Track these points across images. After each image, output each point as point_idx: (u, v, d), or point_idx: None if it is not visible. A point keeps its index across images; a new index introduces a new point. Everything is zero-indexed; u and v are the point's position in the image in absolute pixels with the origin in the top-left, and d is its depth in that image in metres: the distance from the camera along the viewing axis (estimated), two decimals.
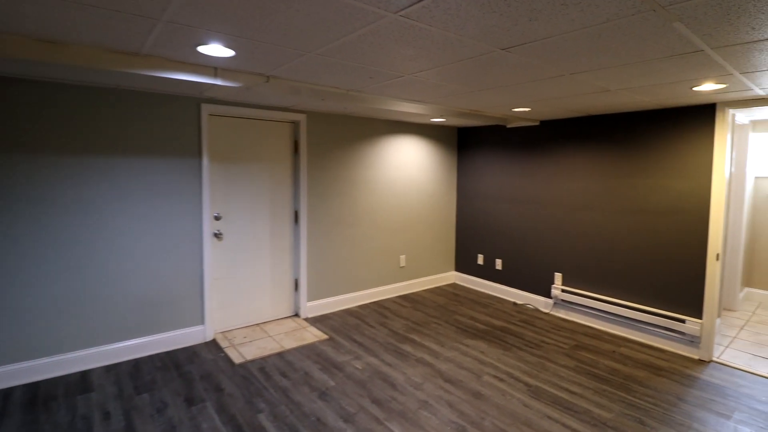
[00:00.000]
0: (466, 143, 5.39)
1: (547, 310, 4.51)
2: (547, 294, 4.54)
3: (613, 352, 3.55)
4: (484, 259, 5.19)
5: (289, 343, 3.56)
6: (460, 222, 5.51)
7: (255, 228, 3.87)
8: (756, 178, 4.95)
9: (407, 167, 4.97)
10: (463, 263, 5.48)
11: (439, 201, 5.35)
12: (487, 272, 5.18)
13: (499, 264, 5.02)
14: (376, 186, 4.68)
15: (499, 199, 4.98)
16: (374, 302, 4.69)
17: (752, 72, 2.26)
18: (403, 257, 4.98)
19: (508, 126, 4.87)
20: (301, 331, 3.83)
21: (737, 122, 4.47)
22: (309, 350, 3.45)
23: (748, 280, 5.05)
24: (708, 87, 2.66)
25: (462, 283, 5.49)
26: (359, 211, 4.54)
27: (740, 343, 3.81)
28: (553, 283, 4.48)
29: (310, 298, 4.23)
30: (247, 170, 3.79)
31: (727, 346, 3.73)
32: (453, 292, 5.15)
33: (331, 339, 3.67)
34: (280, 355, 3.36)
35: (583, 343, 3.70)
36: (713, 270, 3.41)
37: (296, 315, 4.21)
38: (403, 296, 4.93)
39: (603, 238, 4.06)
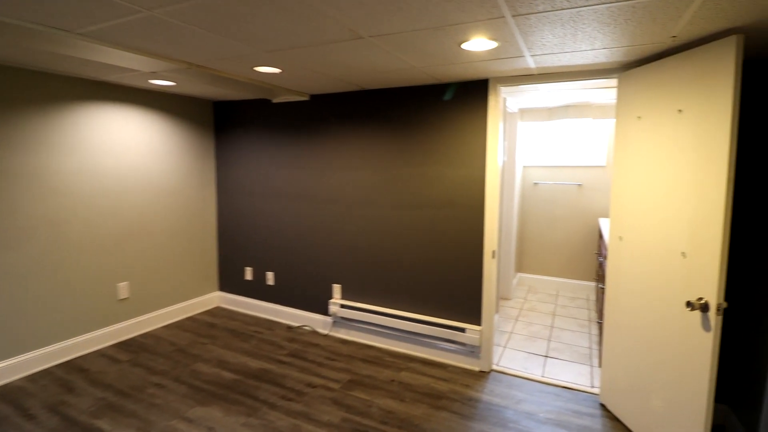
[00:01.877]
0: (225, 123, 4.10)
1: (326, 332, 3.64)
2: (325, 311, 3.67)
3: (392, 381, 2.85)
4: (254, 273, 4.04)
5: None
6: (222, 226, 4.21)
7: None
8: (524, 167, 5.09)
9: (131, 153, 3.40)
10: (229, 280, 4.22)
11: (190, 199, 3.94)
12: (257, 290, 4.04)
13: (270, 278, 3.93)
14: (66, 181, 3.00)
15: (268, 195, 3.88)
16: (65, 363, 3.01)
17: (526, 15, 1.63)
18: (124, 285, 3.41)
19: (274, 101, 3.79)
20: None
21: (508, 110, 4.39)
22: None
23: (519, 266, 5.22)
24: (478, 44, 2.03)
25: (228, 307, 4.22)
26: (26, 224, 2.80)
27: (516, 338, 3.62)
28: (331, 298, 3.63)
29: None
30: None
31: (505, 346, 3.47)
32: (210, 321, 3.84)
33: None
34: None
35: (359, 376, 2.90)
36: (489, 269, 3.00)
37: None
38: (123, 343, 3.36)
39: (383, 239, 3.36)
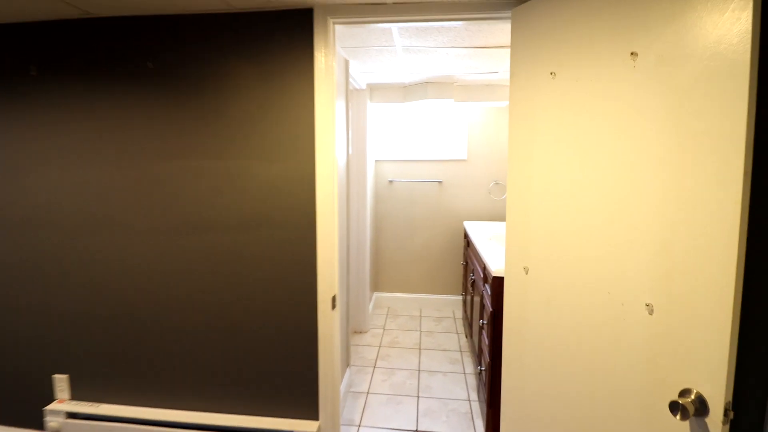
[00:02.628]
0: None
1: None
2: (40, 426, 2.02)
3: None
4: None
5: None
6: None
7: None
8: (377, 161, 4.09)
9: None
10: None
11: None
12: None
13: None
14: None
15: None
16: None
17: None
18: None
19: None
20: None
21: (355, 86, 3.30)
22: None
23: (375, 285, 4.23)
24: None
25: None
26: None
27: (375, 402, 2.55)
28: (52, 400, 2.00)
29: None
30: None
31: (360, 424, 2.36)
32: None
33: None
34: None
35: None
36: (328, 328, 1.82)
37: None
38: None
39: (143, 290, 1.90)
